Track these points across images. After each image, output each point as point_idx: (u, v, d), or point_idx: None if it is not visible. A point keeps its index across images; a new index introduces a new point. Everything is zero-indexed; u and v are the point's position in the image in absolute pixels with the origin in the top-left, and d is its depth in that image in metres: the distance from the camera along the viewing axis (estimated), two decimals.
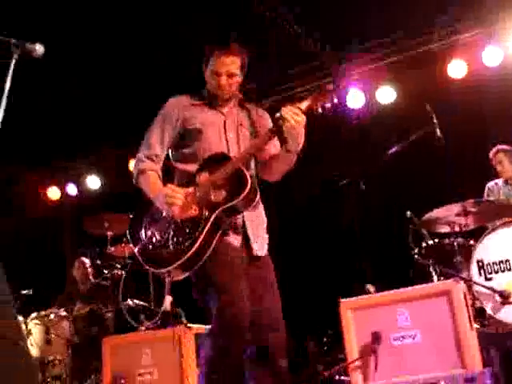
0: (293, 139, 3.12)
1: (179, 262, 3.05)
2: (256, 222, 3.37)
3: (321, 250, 7.29)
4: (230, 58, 3.28)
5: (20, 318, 6.03)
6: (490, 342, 4.34)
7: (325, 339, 6.42)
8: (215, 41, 3.37)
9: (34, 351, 6.12)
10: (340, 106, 7.27)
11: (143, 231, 3.27)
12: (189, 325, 4.88)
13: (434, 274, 4.99)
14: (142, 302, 5.92)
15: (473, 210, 5.16)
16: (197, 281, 3.19)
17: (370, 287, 4.57)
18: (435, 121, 4.93)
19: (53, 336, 6.65)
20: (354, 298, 4.42)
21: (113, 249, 6.49)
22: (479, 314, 4.70)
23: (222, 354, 3.05)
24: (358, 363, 4.21)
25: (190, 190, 3.16)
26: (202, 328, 5.10)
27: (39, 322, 6.77)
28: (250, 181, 3.06)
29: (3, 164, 7.71)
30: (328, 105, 3.21)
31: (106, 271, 6.50)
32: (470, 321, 4.12)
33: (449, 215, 5.20)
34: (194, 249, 3.03)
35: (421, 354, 4.08)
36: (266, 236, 3.51)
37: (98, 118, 7.70)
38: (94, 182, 8.94)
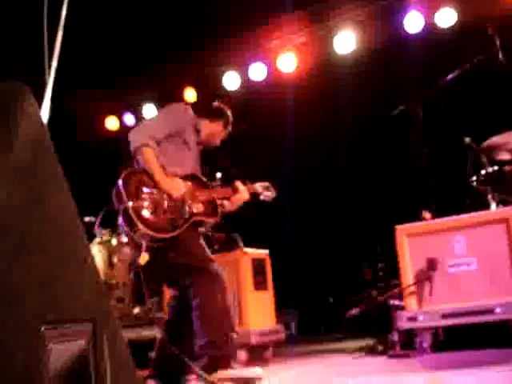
0: (231, 207, 4.15)
1: (169, 235, 3.65)
2: None
3: (378, 178, 7.25)
4: None
5: None
6: None
7: (380, 265, 6.46)
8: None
9: None
10: (397, 31, 7.06)
11: (136, 190, 3.67)
12: (245, 249, 4.99)
13: (492, 202, 4.90)
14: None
15: None
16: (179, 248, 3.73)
17: (427, 214, 4.54)
18: (498, 44, 4.76)
19: (115, 260, 6.90)
20: (409, 224, 4.42)
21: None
22: None
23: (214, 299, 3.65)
24: (412, 289, 4.25)
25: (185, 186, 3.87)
26: (258, 253, 5.22)
27: (102, 248, 7.02)
28: (220, 213, 3.99)
29: (62, 94, 7.83)
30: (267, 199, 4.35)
31: None
32: None
33: (509, 142, 5.07)
34: (178, 232, 3.68)
35: (476, 282, 4.08)
36: None
37: (154, 47, 7.69)
38: (150, 111, 8.92)
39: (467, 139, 5.07)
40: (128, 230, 3.60)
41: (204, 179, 4.05)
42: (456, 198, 5.36)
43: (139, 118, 8.98)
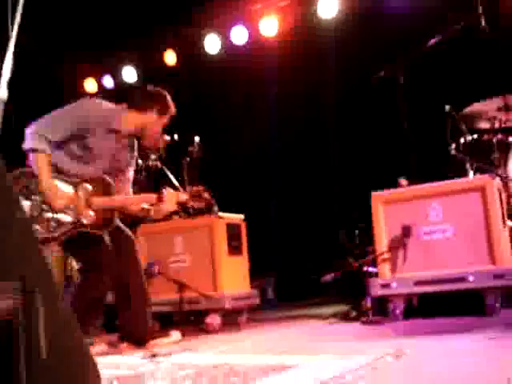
0: (158, 215, 3.95)
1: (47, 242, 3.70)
2: None
3: (355, 144, 7.20)
4: None
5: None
6: None
7: (356, 232, 6.44)
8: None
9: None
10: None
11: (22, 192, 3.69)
12: (220, 214, 4.94)
13: (470, 170, 4.88)
14: None
15: None
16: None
17: (403, 180, 4.50)
18: (480, 10, 4.68)
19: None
20: (385, 191, 4.39)
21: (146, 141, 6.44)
22: None
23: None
24: (386, 255, 4.24)
25: (72, 195, 3.75)
26: (233, 218, 5.18)
27: None
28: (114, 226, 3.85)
29: (40, 55, 7.68)
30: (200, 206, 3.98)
31: (140, 162, 6.51)
32: (504, 218, 4.07)
33: (489, 110, 5.02)
34: (56, 240, 3.72)
35: (451, 249, 4.07)
36: None
37: (135, 9, 7.52)
38: (129, 74, 8.74)
39: (447, 107, 5.01)
40: None
41: (112, 185, 3.83)
42: (435, 165, 5.33)
43: (118, 80, 8.84)
